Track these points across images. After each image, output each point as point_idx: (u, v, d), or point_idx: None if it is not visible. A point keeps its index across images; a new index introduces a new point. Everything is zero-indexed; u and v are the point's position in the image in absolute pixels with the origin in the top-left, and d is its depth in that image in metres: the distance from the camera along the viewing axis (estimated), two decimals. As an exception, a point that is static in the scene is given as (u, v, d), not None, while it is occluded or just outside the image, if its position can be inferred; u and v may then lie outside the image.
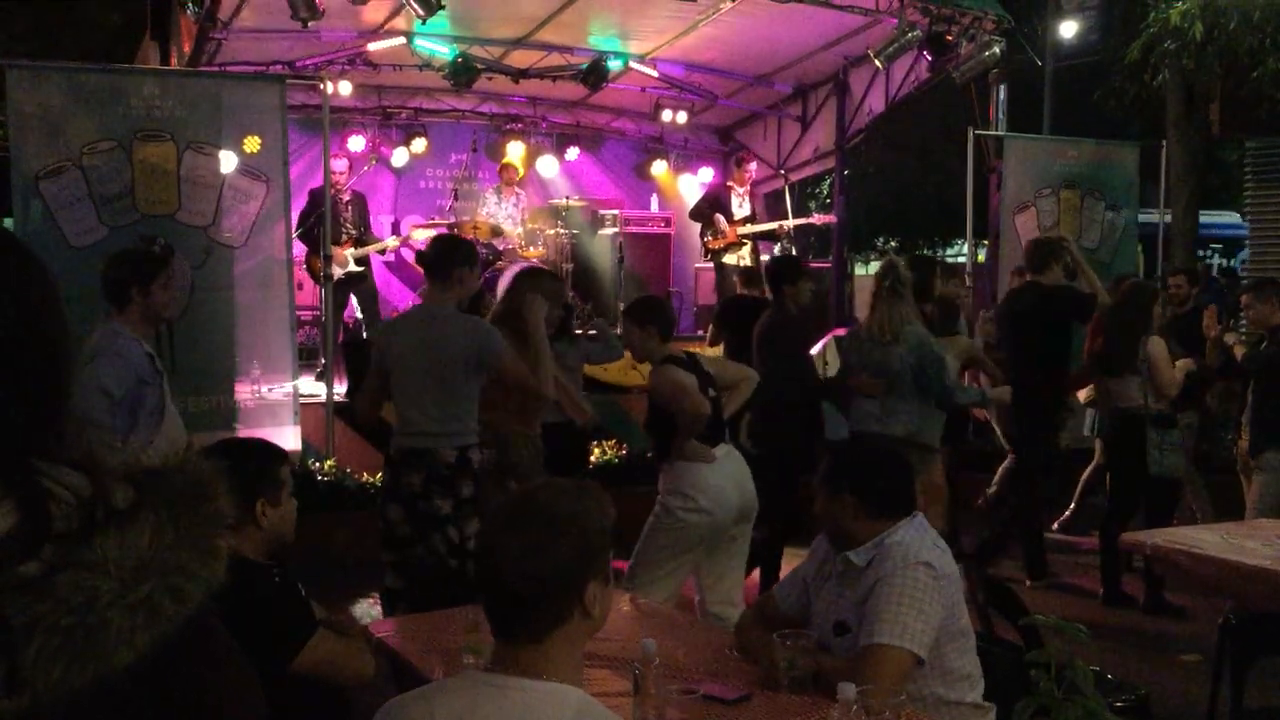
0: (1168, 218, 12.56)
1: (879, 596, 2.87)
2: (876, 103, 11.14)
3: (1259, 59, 11.04)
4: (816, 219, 11.78)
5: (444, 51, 10.08)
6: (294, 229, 8.54)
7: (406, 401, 4.76)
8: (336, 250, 9.16)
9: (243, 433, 7.00)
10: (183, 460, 1.22)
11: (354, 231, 9.81)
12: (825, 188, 20.61)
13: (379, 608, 6.28)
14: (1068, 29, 15.20)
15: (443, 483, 4.66)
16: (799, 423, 6.51)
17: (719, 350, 8.60)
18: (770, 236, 11.26)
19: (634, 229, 11.89)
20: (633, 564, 4.86)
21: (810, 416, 6.69)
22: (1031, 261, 7.14)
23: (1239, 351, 6.95)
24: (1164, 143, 11.99)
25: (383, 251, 10.40)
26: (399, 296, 11.70)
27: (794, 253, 11.41)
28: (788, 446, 6.38)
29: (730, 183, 11.29)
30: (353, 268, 9.68)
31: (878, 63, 9.65)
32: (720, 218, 10.97)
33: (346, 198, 9.83)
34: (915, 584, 2.86)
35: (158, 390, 4.52)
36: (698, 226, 11.65)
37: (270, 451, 3.11)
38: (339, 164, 10.22)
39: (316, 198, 9.08)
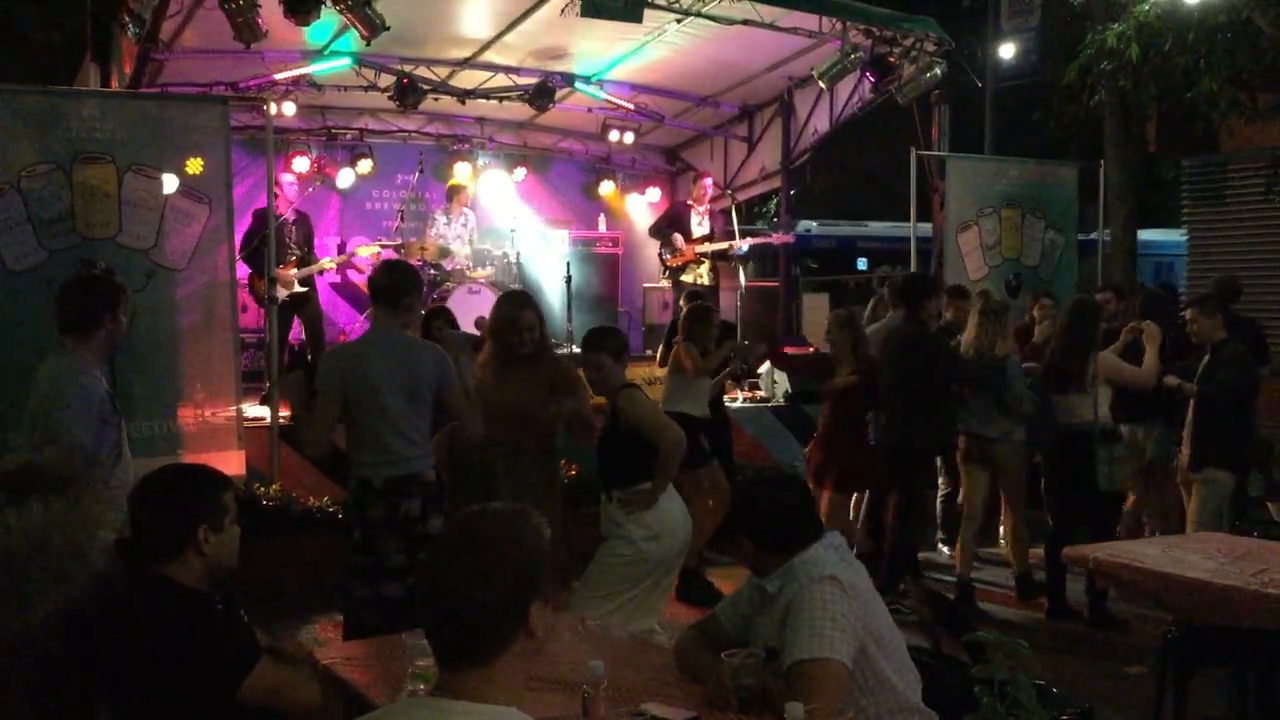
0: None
1: (793, 615, 2.95)
2: (821, 123, 11.27)
3: (1193, 79, 11.26)
4: (775, 238, 11.79)
5: (389, 72, 10.05)
6: (239, 250, 8.44)
7: (385, 428, 4.68)
8: (281, 271, 9.06)
9: (186, 458, 6.89)
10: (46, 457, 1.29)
11: (299, 252, 9.72)
12: (773, 207, 20.72)
13: (326, 634, 6.21)
14: (1007, 50, 15.39)
15: (434, 502, 4.72)
16: (936, 424, 7.11)
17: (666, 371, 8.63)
18: (724, 256, 11.28)
19: (582, 249, 11.89)
20: (585, 596, 4.84)
21: (946, 419, 7.18)
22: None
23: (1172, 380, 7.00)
24: (1102, 162, 12.20)
25: (320, 272, 10.29)
26: (345, 318, 11.61)
27: (742, 271, 11.45)
28: (923, 446, 7.23)
29: (690, 201, 11.32)
30: (297, 289, 9.59)
31: (821, 84, 9.75)
32: (678, 236, 10.99)
33: (292, 218, 9.73)
34: (824, 597, 2.94)
35: (115, 431, 4.34)
36: (645, 246, 11.63)
37: (213, 478, 3.07)
38: (287, 178, 10.13)
39: (262, 218, 8.98)
